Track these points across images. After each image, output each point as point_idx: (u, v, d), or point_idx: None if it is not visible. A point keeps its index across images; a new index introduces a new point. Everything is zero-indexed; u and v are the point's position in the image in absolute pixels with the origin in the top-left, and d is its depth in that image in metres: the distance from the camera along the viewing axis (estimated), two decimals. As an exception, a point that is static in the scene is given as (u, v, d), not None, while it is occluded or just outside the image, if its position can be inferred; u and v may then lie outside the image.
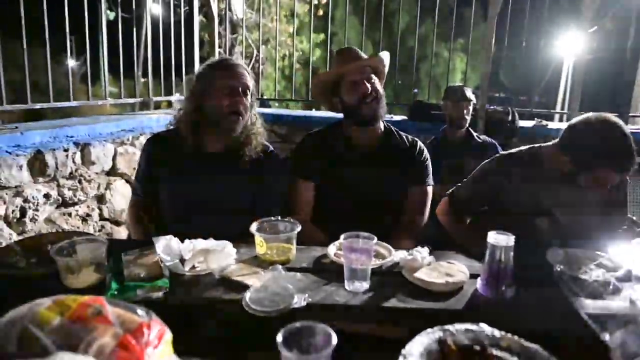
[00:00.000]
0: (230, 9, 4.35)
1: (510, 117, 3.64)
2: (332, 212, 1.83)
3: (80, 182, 2.46)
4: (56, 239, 1.33)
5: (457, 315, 1.07)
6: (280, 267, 1.17)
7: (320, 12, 7.79)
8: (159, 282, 1.12)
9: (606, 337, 0.93)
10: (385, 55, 1.89)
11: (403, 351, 0.76)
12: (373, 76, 1.83)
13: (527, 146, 1.86)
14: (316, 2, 7.34)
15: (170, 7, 3.75)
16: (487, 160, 1.94)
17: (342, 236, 1.19)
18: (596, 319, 1.03)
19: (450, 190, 1.97)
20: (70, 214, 2.42)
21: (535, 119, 4.03)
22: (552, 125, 4.02)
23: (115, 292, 1.07)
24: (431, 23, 4.81)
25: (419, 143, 1.97)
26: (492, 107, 3.74)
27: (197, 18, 3.98)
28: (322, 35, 9.75)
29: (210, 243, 1.28)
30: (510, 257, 1.12)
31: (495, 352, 0.79)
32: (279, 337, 0.70)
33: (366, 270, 1.15)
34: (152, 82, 3.68)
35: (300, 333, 0.72)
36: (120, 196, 2.76)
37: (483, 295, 1.15)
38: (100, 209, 2.63)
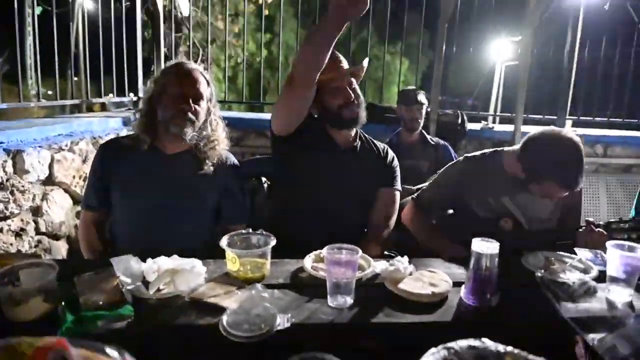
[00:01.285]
0: (175, 7, 4.13)
1: (459, 120, 3.75)
2: (305, 210, 1.79)
3: (12, 193, 2.21)
4: None
5: (446, 327, 1.04)
6: (259, 285, 1.08)
7: (267, 12, 7.69)
8: (122, 310, 0.99)
9: (592, 340, 0.93)
10: (365, 63, 1.86)
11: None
12: (353, 81, 1.80)
13: (490, 150, 1.89)
14: (261, 2, 7.23)
15: (110, 2, 3.48)
16: (450, 164, 1.96)
17: (324, 249, 1.12)
18: (580, 323, 1.03)
19: (415, 194, 1.97)
20: (1, 230, 2.17)
21: (482, 121, 4.18)
22: (497, 127, 4.18)
23: (72, 325, 0.93)
24: (371, 27, 4.86)
25: (389, 150, 1.97)
26: (442, 110, 3.83)
27: (139, 15, 3.75)
28: (267, 36, 9.64)
29: (177, 262, 1.17)
30: (495, 265, 1.11)
31: (504, 370, 0.75)
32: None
33: (350, 285, 1.09)
34: (89, 83, 3.42)
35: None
36: (59, 207, 2.52)
37: (469, 304, 1.12)
38: (36, 222, 2.38)
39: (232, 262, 1.20)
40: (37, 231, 2.39)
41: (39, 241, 2.40)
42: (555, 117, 4.22)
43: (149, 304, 1.06)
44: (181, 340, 0.96)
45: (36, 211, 2.39)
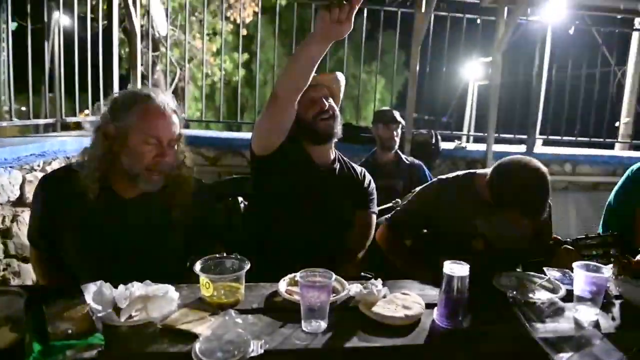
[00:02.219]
0: (152, 26, 4.14)
1: (434, 140, 3.84)
2: (282, 229, 1.78)
3: (-20, 215, 2.16)
4: None
5: (419, 350, 1.05)
6: (232, 311, 1.08)
7: (245, 32, 7.77)
8: (92, 339, 0.97)
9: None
10: (340, 76, 1.88)
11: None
12: (328, 93, 1.82)
13: (463, 172, 1.93)
14: (239, 21, 7.31)
15: (86, 20, 3.46)
16: (423, 186, 2.00)
17: (298, 274, 1.13)
18: (549, 343, 1.06)
19: (389, 215, 1.99)
20: (-33, 253, 2.11)
21: (456, 141, 4.28)
22: (470, 147, 4.28)
23: (39, 356, 0.91)
24: (348, 46, 4.94)
25: (366, 172, 2.00)
26: (416, 130, 3.91)
27: (116, 33, 3.73)
28: (245, 55, 9.72)
29: (149, 288, 1.15)
30: (466, 287, 1.13)
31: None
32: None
33: (325, 309, 1.10)
34: (63, 101, 3.38)
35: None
36: (29, 229, 2.46)
37: (441, 325, 1.14)
38: (5, 245, 2.32)
39: (206, 288, 1.19)
40: (6, 254, 2.34)
41: (8, 264, 2.34)
42: (525, 137, 4.35)
43: (120, 332, 1.05)
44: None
45: (6, 233, 2.34)
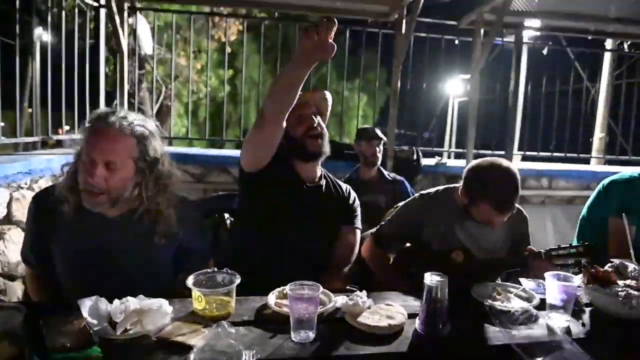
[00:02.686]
0: (138, 45, 4.19)
1: (415, 156, 3.95)
2: (270, 244, 1.82)
3: (-33, 233, 2.16)
4: None
5: (402, 357, 1.11)
6: (225, 323, 1.13)
7: (229, 50, 7.87)
8: (90, 351, 1.01)
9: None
10: (328, 95, 1.96)
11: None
12: (316, 110, 1.89)
13: (443, 186, 2.03)
14: (223, 39, 7.40)
15: (71, 38, 3.50)
16: (407, 200, 2.09)
17: (287, 286, 1.18)
18: (523, 348, 1.13)
19: (374, 230, 2.07)
20: (-46, 271, 2.10)
21: (436, 157, 4.40)
22: (450, 163, 4.41)
23: (39, 368, 0.95)
24: (331, 63, 5.03)
25: (351, 190, 2.07)
26: (398, 147, 4.02)
27: (103, 51, 3.78)
28: (230, 72, 9.81)
29: (144, 302, 1.19)
30: (446, 296, 1.20)
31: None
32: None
33: (312, 320, 1.16)
34: (50, 118, 3.39)
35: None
36: (16, 247, 2.46)
37: (422, 334, 1.20)
38: (-9, 263, 2.32)
39: (198, 301, 1.24)
40: (-8, 272, 2.33)
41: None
42: (503, 152, 4.50)
43: (117, 345, 1.09)
44: (149, 379, 0.99)
45: (-9, 251, 2.33)
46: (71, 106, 3.54)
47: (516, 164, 4.62)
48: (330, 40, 1.35)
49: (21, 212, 2.51)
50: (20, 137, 3.08)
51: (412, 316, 1.27)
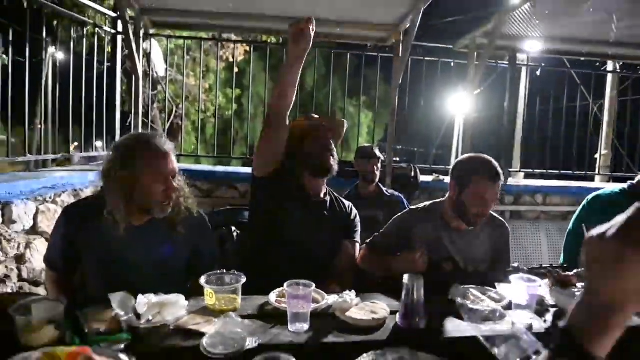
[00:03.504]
0: (151, 68, 4.47)
1: (412, 173, 4.14)
2: (276, 253, 2.00)
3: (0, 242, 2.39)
4: (6, 300, 1.39)
5: (383, 345, 1.30)
6: (232, 314, 1.33)
7: (236, 70, 8.18)
8: (120, 335, 1.22)
9: (495, 351, 1.22)
10: (345, 123, 2.22)
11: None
12: (330, 135, 2.12)
13: (431, 201, 2.23)
14: (231, 59, 7.70)
15: (89, 60, 3.76)
16: (399, 214, 2.29)
17: (285, 284, 1.39)
18: (487, 338, 1.32)
19: (368, 240, 2.26)
20: (-14, 276, 2.32)
21: (434, 174, 4.59)
22: (448, 179, 4.59)
23: (80, 344, 1.15)
24: (337, 81, 5.26)
25: (352, 206, 2.27)
26: (397, 164, 4.22)
27: (119, 74, 4.05)
28: (237, 91, 10.12)
29: (164, 297, 1.40)
30: (421, 294, 1.40)
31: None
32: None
33: (306, 313, 1.36)
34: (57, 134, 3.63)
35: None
36: (40, 255, 2.68)
37: (401, 326, 1.40)
38: (19, 270, 2.53)
39: (210, 297, 1.45)
40: (20, 278, 2.55)
41: (21, 287, 2.55)
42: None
43: (141, 331, 1.29)
44: (171, 358, 1.19)
45: (20, 259, 2.55)
46: (89, 124, 3.78)
47: (520, 180, 4.83)
48: (310, 31, 1.74)
49: (46, 224, 2.74)
50: (47, 155, 3.31)
51: (394, 312, 1.47)
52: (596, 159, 6.54)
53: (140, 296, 1.39)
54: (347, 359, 1.15)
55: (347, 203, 2.26)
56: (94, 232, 1.70)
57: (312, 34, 1.75)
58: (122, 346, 1.19)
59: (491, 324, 1.44)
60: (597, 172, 5.92)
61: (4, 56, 3.01)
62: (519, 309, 1.52)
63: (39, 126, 3.67)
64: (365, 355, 1.06)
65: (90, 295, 1.75)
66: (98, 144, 3.99)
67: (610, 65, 5.74)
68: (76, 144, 3.99)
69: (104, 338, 1.19)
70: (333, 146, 2.11)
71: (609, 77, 6.53)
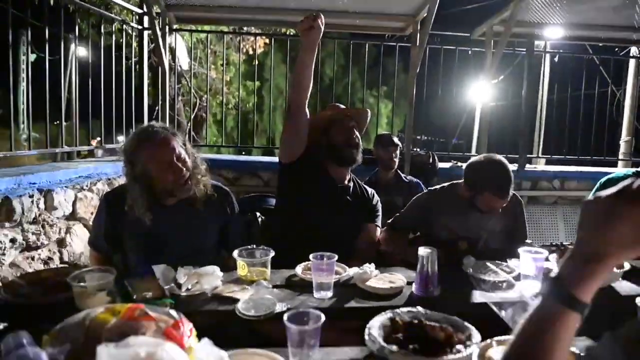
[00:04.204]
0: (174, 61, 4.64)
1: (431, 160, 4.23)
2: (306, 233, 2.10)
3: (43, 226, 2.58)
4: (52, 274, 1.58)
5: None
6: (264, 282, 1.48)
7: (256, 62, 8.32)
8: (165, 300, 1.38)
9: (502, 313, 1.33)
10: (368, 112, 2.34)
11: (367, 325, 1.10)
12: (355, 125, 2.24)
13: (448, 183, 2.34)
14: (251, 52, 7.84)
15: (122, 58, 3.95)
16: (418, 195, 2.41)
17: (310, 256, 1.52)
18: (495, 304, 1.43)
19: (389, 221, 2.39)
20: (33, 258, 2.52)
21: (452, 160, 4.67)
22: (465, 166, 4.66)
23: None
24: (357, 72, 5.33)
25: (374, 193, 2.39)
26: (415, 151, 4.31)
27: (146, 69, 4.23)
28: (258, 83, 10.27)
29: (201, 269, 1.55)
30: (435, 265, 1.51)
31: (428, 323, 1.15)
32: (285, 317, 1.01)
33: (330, 282, 1.49)
34: (103, 128, 3.83)
35: (299, 315, 1.04)
36: (79, 240, 2.88)
37: (417, 294, 1.52)
38: (60, 253, 2.73)
39: (242, 269, 1.59)
40: (61, 260, 2.75)
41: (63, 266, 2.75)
42: (517, 156, 4.72)
43: (182, 299, 1.44)
44: (208, 320, 1.34)
45: (61, 243, 2.75)
46: (119, 118, 3.98)
47: (540, 166, 4.85)
48: (319, 24, 1.85)
49: (83, 210, 2.94)
50: (80, 146, 3.51)
51: (410, 283, 1.59)
52: (619, 145, 6.49)
53: (180, 268, 1.55)
54: (367, 320, 1.28)
55: (369, 190, 2.38)
56: (132, 214, 1.84)
57: (322, 26, 1.87)
58: (167, 308, 1.35)
59: (500, 292, 1.55)
60: (611, 157, 5.88)
61: (31, 54, 3.18)
62: (527, 279, 1.63)
63: (64, 123, 3.80)
64: (383, 313, 1.19)
65: (131, 271, 1.91)
66: (120, 138, 4.17)
67: (634, 51, 5.68)
68: (98, 138, 4.17)
69: (151, 303, 1.34)
70: (358, 136, 2.22)
71: (632, 62, 6.46)
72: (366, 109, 2.38)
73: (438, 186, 2.38)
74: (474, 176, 2.12)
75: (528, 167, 4.76)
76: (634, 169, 2.69)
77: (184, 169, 1.83)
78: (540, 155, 5.98)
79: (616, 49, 5.20)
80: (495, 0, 4.18)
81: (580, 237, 0.76)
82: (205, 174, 1.97)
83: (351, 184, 2.30)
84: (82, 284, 1.38)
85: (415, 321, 1.15)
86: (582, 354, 0.74)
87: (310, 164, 2.17)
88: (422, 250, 1.52)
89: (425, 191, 2.42)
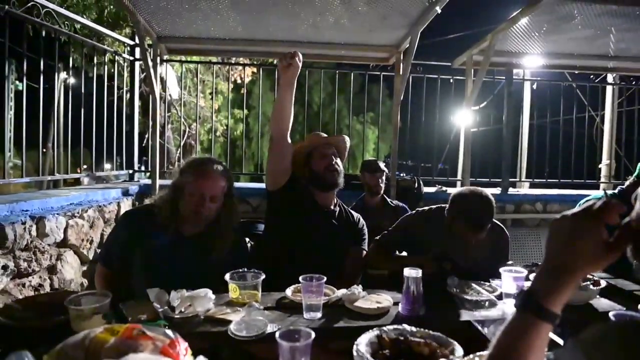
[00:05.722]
0: (164, 90, 4.74)
1: (416, 185, 4.33)
2: (294, 259, 2.16)
3: (34, 253, 2.60)
4: (47, 298, 1.61)
5: (386, 329, 1.48)
6: (255, 304, 1.53)
7: (244, 90, 8.47)
8: (159, 322, 1.42)
9: (485, 330, 1.40)
10: (347, 139, 2.42)
11: (355, 342, 1.16)
12: (337, 153, 2.33)
13: (436, 206, 2.43)
14: (239, 80, 7.99)
15: (114, 87, 4.04)
16: (407, 214, 2.49)
17: (300, 278, 1.58)
18: (478, 321, 1.50)
19: (377, 237, 2.46)
20: (24, 285, 2.53)
21: (437, 185, 4.78)
22: (450, 190, 4.78)
23: (126, 331, 1.35)
24: (343, 100, 5.49)
25: (360, 217, 2.46)
26: (401, 176, 4.42)
27: (137, 98, 4.31)
28: (246, 111, 10.39)
29: (194, 292, 1.59)
30: (420, 286, 1.58)
31: (413, 339, 1.21)
32: (277, 334, 1.07)
33: (319, 304, 1.55)
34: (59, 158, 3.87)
35: (290, 333, 1.10)
36: (70, 267, 2.90)
37: (403, 314, 1.58)
38: (51, 280, 2.74)
39: (234, 291, 1.64)
40: (52, 287, 2.75)
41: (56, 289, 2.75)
42: (500, 180, 4.86)
43: (176, 321, 1.48)
44: (201, 341, 1.38)
45: (51, 270, 2.77)
46: (109, 146, 4.04)
47: (523, 190, 4.97)
48: (297, 62, 1.98)
49: (74, 237, 2.96)
50: (73, 174, 3.53)
51: (397, 303, 1.65)
52: (600, 168, 6.69)
53: (173, 292, 1.59)
54: (355, 339, 1.33)
55: (355, 214, 2.46)
56: (147, 237, 1.91)
57: (300, 63, 2.00)
58: (163, 329, 1.39)
59: (483, 311, 1.62)
60: (600, 180, 6.05)
61: (17, 82, 3.26)
62: (508, 298, 1.70)
63: (51, 151, 3.84)
64: (370, 331, 1.24)
65: (133, 293, 1.92)
66: (107, 166, 4.21)
67: (610, 78, 5.93)
68: (85, 166, 4.21)
69: (146, 325, 1.38)
70: (338, 162, 2.30)
71: (609, 88, 6.73)
72: (343, 135, 2.47)
73: (427, 207, 2.46)
74: (452, 204, 2.20)
75: (511, 190, 4.90)
76: (612, 191, 2.81)
77: (209, 210, 1.90)
78: (523, 179, 6.14)
79: (591, 76, 5.42)
80: (474, 30, 4.35)
81: (549, 251, 0.84)
82: (228, 226, 2.00)
83: (337, 209, 2.37)
84: (78, 307, 1.42)
85: (401, 337, 1.21)
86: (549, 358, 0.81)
87: (295, 191, 2.24)
88: (408, 272, 1.58)
89: (413, 212, 2.50)
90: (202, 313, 1.53)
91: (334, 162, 2.27)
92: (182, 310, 1.53)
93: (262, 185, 4.96)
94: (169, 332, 1.13)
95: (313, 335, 1.09)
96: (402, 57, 4.21)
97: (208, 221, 1.94)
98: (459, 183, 5.21)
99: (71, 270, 2.89)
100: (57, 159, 3.68)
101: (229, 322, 1.45)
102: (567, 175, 5.22)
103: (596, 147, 6.59)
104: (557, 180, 5.18)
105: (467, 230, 2.10)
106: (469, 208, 2.10)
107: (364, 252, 2.39)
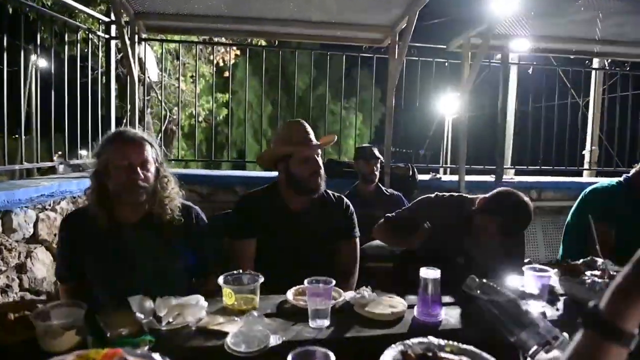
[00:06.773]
0: (143, 72, 4.45)
1: (410, 173, 4.18)
2: (270, 270, 1.92)
3: (0, 251, 2.35)
4: (11, 308, 1.37)
5: (405, 337, 1.31)
6: (254, 312, 1.33)
7: (226, 74, 8.15)
8: (144, 337, 1.21)
9: (514, 338, 1.24)
10: (334, 138, 2.19)
11: (379, 361, 0.99)
12: (319, 152, 2.08)
13: (458, 194, 2.27)
14: (222, 63, 7.68)
15: (87, 68, 3.74)
16: (426, 196, 2.31)
17: (305, 281, 1.39)
18: (505, 327, 1.34)
19: (389, 214, 2.33)
20: (-12, 286, 2.29)
21: (431, 172, 4.64)
22: (444, 178, 4.64)
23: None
24: (326, 84, 5.31)
25: (344, 199, 2.20)
26: (395, 164, 4.25)
27: (113, 80, 4.03)
28: (226, 95, 10.10)
29: (183, 299, 1.40)
30: (438, 287, 1.41)
31: (442, 355, 1.04)
32: (290, 358, 0.88)
33: (327, 310, 1.36)
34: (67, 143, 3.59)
35: (305, 355, 0.91)
36: (41, 264, 2.65)
37: (420, 319, 1.41)
38: (20, 279, 2.50)
39: (229, 297, 1.45)
40: (21, 287, 2.52)
41: (22, 297, 2.51)
42: (494, 167, 4.73)
43: (164, 334, 1.28)
44: (195, 358, 1.19)
45: (20, 268, 2.52)
46: (85, 131, 3.75)
47: (511, 177, 4.88)
48: None
49: (46, 232, 2.71)
50: (41, 162, 3.26)
51: (411, 307, 1.48)
52: (584, 155, 6.65)
53: (159, 299, 1.39)
54: (371, 351, 1.15)
55: (335, 195, 2.19)
56: (92, 236, 1.72)
57: None
58: (147, 348, 1.19)
59: (507, 314, 1.46)
60: (584, 167, 6.00)
61: None
62: (531, 298, 1.54)
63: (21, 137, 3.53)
64: (393, 345, 1.07)
65: (98, 301, 1.74)
66: (83, 152, 3.93)
67: (596, 63, 5.84)
68: (60, 153, 3.93)
69: (128, 341, 1.18)
70: (321, 164, 2.05)
71: (594, 74, 6.67)
72: (334, 135, 2.24)
73: (446, 194, 2.30)
74: (495, 201, 2.02)
75: (505, 177, 4.79)
76: (617, 179, 2.69)
77: (144, 178, 1.69)
78: (509, 166, 6.05)
79: (586, 62, 5.33)
80: (470, 13, 4.17)
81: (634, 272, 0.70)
82: (174, 197, 1.80)
83: (308, 206, 2.10)
84: (47, 322, 1.21)
85: (429, 353, 1.04)
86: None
87: (264, 195, 2.09)
88: (424, 272, 1.41)
89: (432, 194, 2.32)
90: (193, 323, 1.33)
91: (319, 166, 2.03)
92: (170, 320, 1.34)
93: (250, 173, 4.76)
94: (157, 356, 0.93)
95: (333, 358, 0.90)
96: (397, 39, 4.00)
97: (148, 197, 1.72)
98: (442, 170, 5.08)
99: (43, 268, 2.65)
100: (29, 146, 3.36)
101: (225, 334, 1.26)
102: (547, 163, 5.15)
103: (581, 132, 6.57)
104: (538, 168, 5.09)
105: (497, 230, 1.97)
106: (512, 213, 1.96)
107: (357, 240, 2.17)
